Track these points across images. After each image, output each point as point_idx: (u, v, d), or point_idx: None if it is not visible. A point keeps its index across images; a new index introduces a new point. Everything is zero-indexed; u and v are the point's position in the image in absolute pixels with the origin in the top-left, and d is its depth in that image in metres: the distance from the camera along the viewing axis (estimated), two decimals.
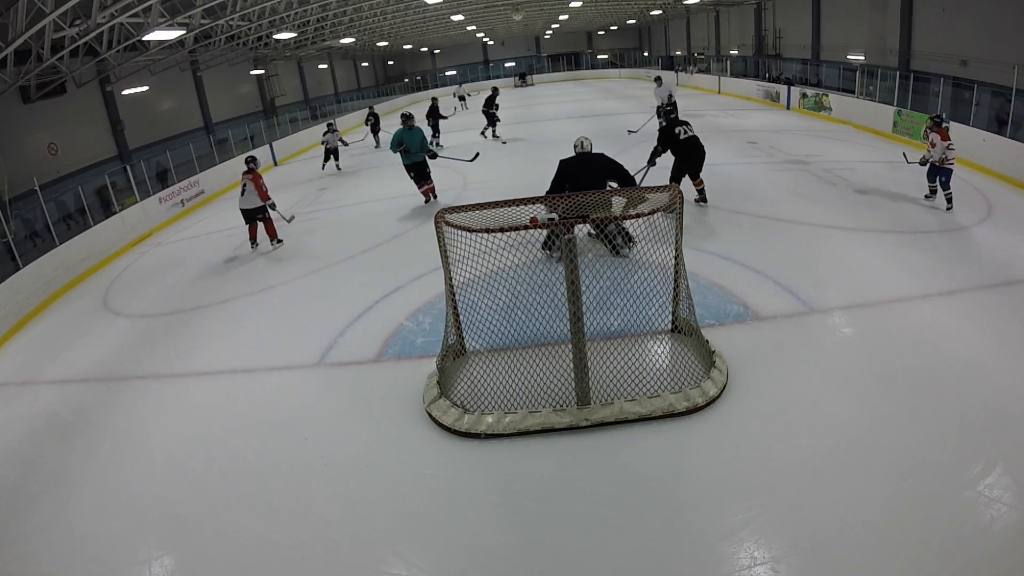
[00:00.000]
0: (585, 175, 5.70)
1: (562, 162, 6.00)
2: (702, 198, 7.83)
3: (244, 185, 8.04)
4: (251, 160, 8.28)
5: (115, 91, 16.05)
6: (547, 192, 5.81)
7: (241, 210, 8.18)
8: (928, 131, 7.39)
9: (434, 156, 9.37)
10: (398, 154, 9.05)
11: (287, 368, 5.05)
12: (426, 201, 9.57)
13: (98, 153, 15.54)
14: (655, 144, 7.73)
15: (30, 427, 4.70)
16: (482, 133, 15.42)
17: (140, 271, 8.59)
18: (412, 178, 9.32)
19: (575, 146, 6.15)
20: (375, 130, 16.85)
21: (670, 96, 13.30)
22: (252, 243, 8.32)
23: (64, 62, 12.89)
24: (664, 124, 7.79)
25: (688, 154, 7.38)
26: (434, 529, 3.19)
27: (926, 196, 7.45)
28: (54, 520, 3.61)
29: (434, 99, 15.89)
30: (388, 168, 11.88)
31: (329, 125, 14.80)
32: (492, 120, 15.19)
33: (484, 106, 15.25)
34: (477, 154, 10.08)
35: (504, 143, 14.41)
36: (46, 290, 7.68)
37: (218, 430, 4.29)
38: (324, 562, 3.06)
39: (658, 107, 13.45)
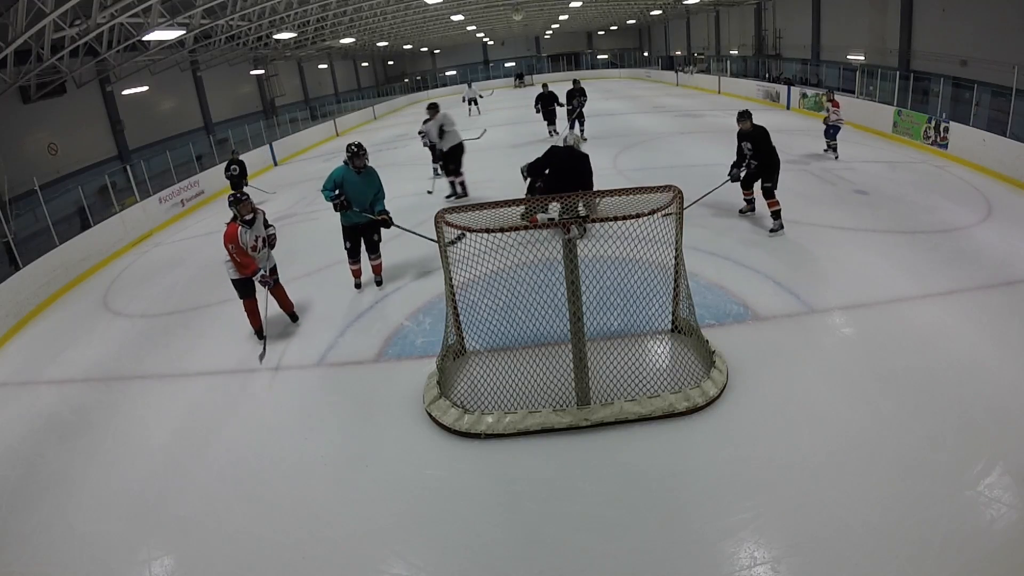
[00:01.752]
0: (568, 167, 6.24)
1: (553, 148, 6.41)
2: (751, 208, 7.40)
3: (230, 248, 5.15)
4: (233, 201, 5.15)
5: (115, 91, 16.05)
6: (528, 168, 6.35)
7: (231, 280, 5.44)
8: (826, 101, 10.07)
9: (388, 223, 6.12)
10: (332, 205, 5.96)
11: (287, 368, 5.05)
12: (357, 286, 6.38)
13: (98, 153, 15.55)
14: (746, 152, 6.63)
15: (30, 427, 4.70)
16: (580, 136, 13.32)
17: (140, 271, 8.58)
18: (347, 248, 6.17)
19: (565, 138, 6.71)
20: (238, 184, 10.87)
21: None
22: (258, 336, 5.46)
23: (64, 62, 12.89)
24: (752, 128, 6.65)
25: (776, 163, 6.67)
26: (434, 529, 3.20)
27: (825, 150, 9.93)
28: (54, 520, 3.60)
29: (544, 84, 14.52)
30: (389, 168, 11.86)
31: (430, 108, 9.46)
32: (580, 117, 13.06)
33: (568, 103, 13.09)
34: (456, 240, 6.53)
35: (585, 139, 12.85)
36: (46, 290, 7.67)
37: (218, 430, 4.30)
38: (324, 562, 3.06)
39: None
